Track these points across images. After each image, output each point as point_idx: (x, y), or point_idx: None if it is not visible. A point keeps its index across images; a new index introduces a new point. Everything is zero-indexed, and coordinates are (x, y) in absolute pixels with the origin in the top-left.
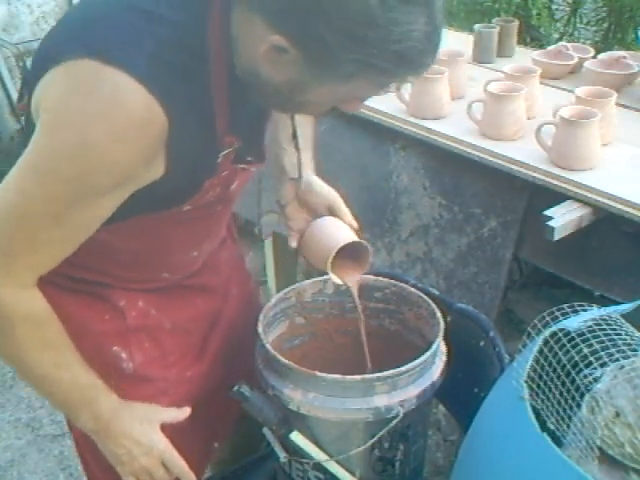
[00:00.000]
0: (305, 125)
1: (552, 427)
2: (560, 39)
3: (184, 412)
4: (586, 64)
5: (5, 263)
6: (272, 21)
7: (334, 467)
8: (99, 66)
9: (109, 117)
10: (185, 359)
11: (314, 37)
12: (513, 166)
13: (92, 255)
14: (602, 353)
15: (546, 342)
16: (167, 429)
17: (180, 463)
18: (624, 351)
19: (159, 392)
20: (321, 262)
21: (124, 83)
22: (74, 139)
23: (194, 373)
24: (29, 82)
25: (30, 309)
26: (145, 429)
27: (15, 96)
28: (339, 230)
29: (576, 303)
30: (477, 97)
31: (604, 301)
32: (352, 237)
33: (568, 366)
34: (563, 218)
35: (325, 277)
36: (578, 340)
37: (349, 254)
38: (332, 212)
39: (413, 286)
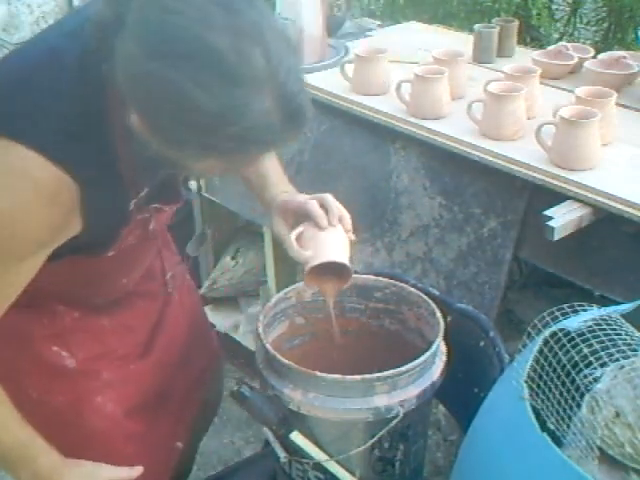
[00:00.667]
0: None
1: (552, 427)
2: (560, 39)
3: (136, 471)
4: (586, 64)
5: None
6: (129, 100)
7: (334, 467)
8: (8, 143)
9: (18, 190)
10: (130, 355)
11: (156, 120)
12: (513, 166)
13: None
14: (602, 353)
15: (546, 342)
16: (125, 439)
17: None
18: (624, 351)
19: (105, 385)
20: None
21: (32, 158)
22: None
23: (138, 369)
24: None
25: None
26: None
27: None
28: (327, 243)
29: (576, 303)
30: (477, 97)
31: (604, 301)
32: (334, 256)
33: (568, 366)
34: (563, 218)
35: None
36: (578, 340)
37: (332, 267)
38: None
39: (413, 286)
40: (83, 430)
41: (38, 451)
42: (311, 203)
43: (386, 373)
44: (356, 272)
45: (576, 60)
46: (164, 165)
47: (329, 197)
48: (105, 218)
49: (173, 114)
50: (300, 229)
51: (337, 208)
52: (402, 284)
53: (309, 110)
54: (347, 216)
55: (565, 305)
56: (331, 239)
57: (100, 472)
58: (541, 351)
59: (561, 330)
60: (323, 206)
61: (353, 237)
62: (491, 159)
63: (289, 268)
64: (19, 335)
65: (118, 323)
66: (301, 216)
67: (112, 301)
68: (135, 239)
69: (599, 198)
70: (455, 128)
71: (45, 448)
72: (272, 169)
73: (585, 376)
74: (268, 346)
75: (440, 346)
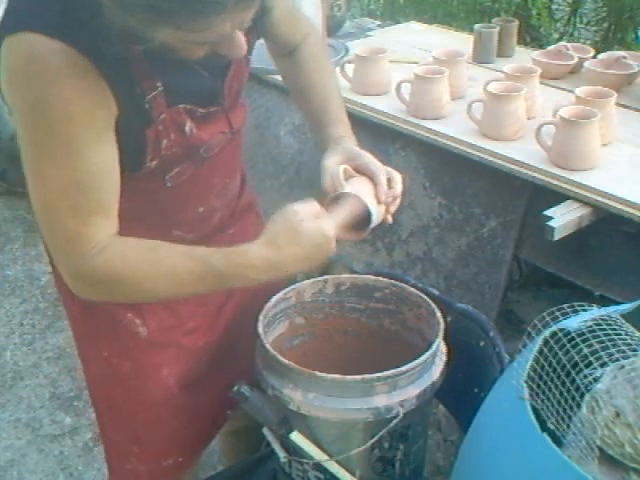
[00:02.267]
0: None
1: (552, 427)
2: (560, 39)
3: None
4: (586, 64)
5: (74, 243)
6: None
7: (334, 467)
8: (26, 36)
9: (45, 74)
10: (201, 328)
11: None
12: (513, 166)
13: None
14: (602, 353)
15: (546, 342)
16: (176, 411)
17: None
18: (624, 351)
19: (171, 358)
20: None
21: (43, 42)
22: (33, 108)
23: (206, 342)
24: None
25: (121, 266)
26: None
27: None
28: (367, 195)
29: (576, 303)
30: (477, 97)
31: (604, 301)
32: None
33: (568, 366)
34: (563, 218)
35: (325, 277)
36: (578, 340)
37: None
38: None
39: (413, 286)
40: (143, 397)
41: (225, 251)
42: (380, 172)
43: (386, 373)
44: (356, 272)
45: (576, 60)
46: (134, 41)
47: (398, 176)
48: (127, 108)
49: None
50: (356, 178)
51: (399, 190)
52: (402, 284)
53: None
54: (397, 202)
55: (565, 305)
56: (374, 201)
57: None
58: (541, 351)
59: (561, 330)
60: (389, 180)
61: (390, 220)
62: (491, 159)
63: None
64: None
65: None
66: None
67: None
68: (177, 147)
69: (599, 198)
70: (455, 128)
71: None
72: (333, 107)
73: (585, 376)
74: (268, 346)
75: (440, 346)
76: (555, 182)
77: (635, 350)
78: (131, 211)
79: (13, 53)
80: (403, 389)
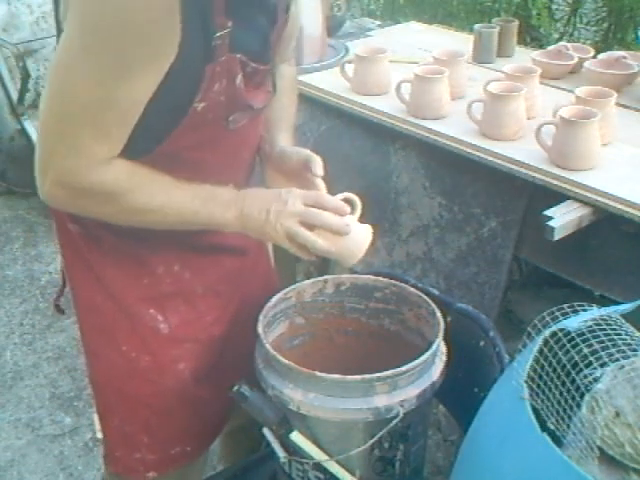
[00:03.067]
0: (287, 108)
1: (552, 427)
2: (560, 39)
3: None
4: (586, 64)
5: (78, 153)
6: None
7: (334, 467)
8: None
9: None
10: (216, 320)
11: None
12: (513, 166)
13: None
14: (602, 353)
15: (546, 342)
16: (188, 404)
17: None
18: (624, 351)
19: (188, 353)
20: None
21: None
22: (107, 11)
23: (220, 334)
24: None
25: (125, 177)
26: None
27: (15, 96)
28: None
29: (576, 303)
30: (477, 97)
31: (604, 301)
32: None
33: (568, 366)
34: (563, 218)
35: (325, 277)
36: (578, 340)
37: None
38: (307, 168)
39: (413, 286)
40: (158, 388)
41: (213, 189)
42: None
43: (386, 373)
44: (356, 272)
45: (576, 60)
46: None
47: (315, 158)
48: (193, 41)
49: None
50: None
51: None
52: (402, 284)
53: None
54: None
55: (565, 305)
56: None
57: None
58: (541, 351)
59: (561, 330)
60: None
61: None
62: (491, 159)
63: (289, 268)
64: (120, 292)
65: (208, 287)
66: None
67: (205, 259)
68: (224, 94)
69: (599, 198)
70: (455, 128)
71: (217, 186)
72: (285, 127)
73: (585, 376)
74: (268, 346)
75: (440, 346)
76: (555, 182)
77: (635, 350)
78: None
79: None
80: (403, 389)
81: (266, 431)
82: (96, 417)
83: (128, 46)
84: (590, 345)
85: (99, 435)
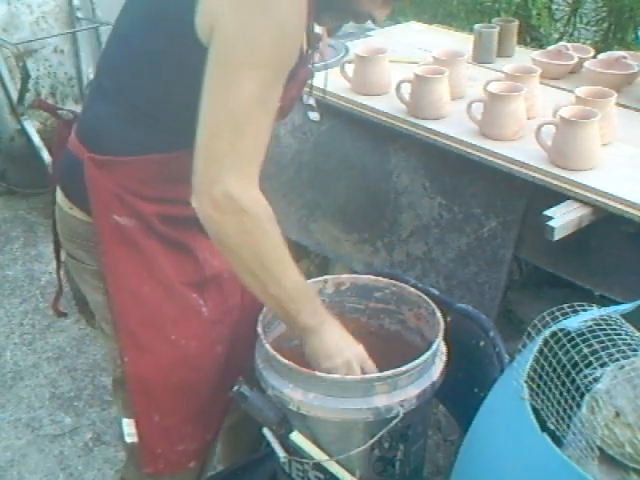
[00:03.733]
0: None
1: (552, 427)
2: (560, 39)
3: None
4: (586, 64)
5: (247, 164)
6: None
7: (334, 467)
8: None
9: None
10: (235, 305)
11: None
12: (513, 166)
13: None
14: (602, 353)
15: (546, 342)
16: (217, 389)
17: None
18: (624, 351)
19: (222, 336)
20: None
21: None
22: (268, 21)
23: (238, 319)
24: None
25: (268, 207)
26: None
27: (15, 96)
28: None
29: (576, 303)
30: (477, 97)
31: (604, 301)
32: None
33: (568, 366)
34: (563, 218)
35: (325, 277)
36: (578, 340)
37: None
38: None
39: (413, 286)
40: (202, 375)
41: (315, 293)
42: None
43: (386, 373)
44: (356, 272)
45: (576, 60)
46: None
47: None
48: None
49: None
50: None
51: None
52: (402, 284)
53: None
54: None
55: (565, 305)
56: None
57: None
58: (541, 351)
59: (561, 330)
60: None
61: None
62: (491, 159)
63: None
64: (168, 279)
65: (231, 273)
66: None
67: None
68: (297, 89)
69: (599, 198)
70: (455, 128)
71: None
72: None
73: (585, 376)
74: (268, 346)
75: (440, 346)
76: (555, 182)
77: (635, 350)
78: None
79: None
80: (403, 389)
81: (266, 431)
82: (126, 422)
83: (284, 60)
84: (590, 345)
85: (129, 440)
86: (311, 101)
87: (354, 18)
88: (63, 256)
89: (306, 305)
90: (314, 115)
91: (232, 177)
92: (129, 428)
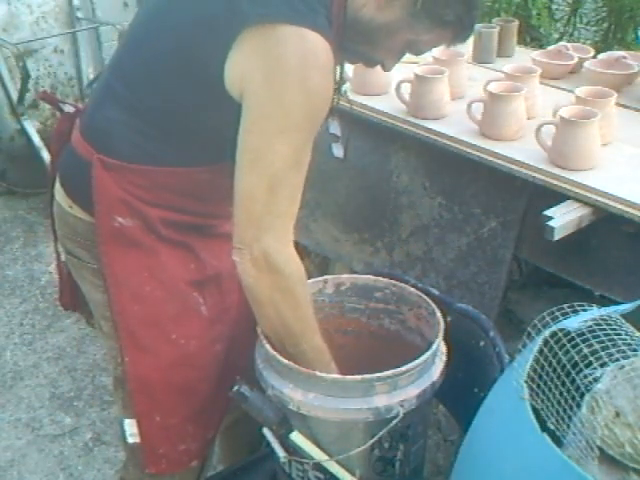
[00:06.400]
0: None
1: (552, 427)
2: (560, 39)
3: None
4: (586, 64)
5: (282, 224)
6: None
7: (334, 467)
8: (294, 28)
9: (317, 64)
10: (233, 303)
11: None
12: (513, 166)
13: (189, 197)
14: (602, 353)
15: (546, 342)
16: (216, 388)
17: None
18: (624, 351)
19: (220, 334)
20: None
21: (313, 37)
22: (301, 91)
23: (236, 318)
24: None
25: (301, 268)
26: None
27: (15, 96)
28: None
29: (576, 303)
30: (477, 97)
31: (604, 301)
32: None
33: (568, 366)
34: (563, 218)
35: (325, 277)
36: (578, 340)
37: None
38: None
39: (413, 286)
40: (202, 374)
41: (330, 357)
42: None
43: (386, 373)
44: (356, 272)
45: (576, 60)
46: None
47: None
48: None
49: None
50: None
51: None
52: (402, 284)
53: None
54: None
55: (565, 305)
56: None
57: None
58: (541, 351)
59: (561, 330)
60: None
61: None
62: (491, 159)
63: None
64: (170, 278)
65: (229, 272)
66: None
67: (224, 247)
68: None
69: (599, 198)
70: (455, 128)
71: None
72: None
73: (585, 376)
74: (268, 346)
75: (440, 346)
76: (555, 182)
77: (635, 350)
78: (218, 189)
79: (290, 42)
80: (403, 389)
81: (266, 431)
82: (128, 422)
83: (315, 123)
84: (590, 345)
85: (131, 440)
86: (335, 129)
87: (366, 62)
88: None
89: (319, 368)
90: (338, 150)
91: (270, 237)
92: (131, 428)
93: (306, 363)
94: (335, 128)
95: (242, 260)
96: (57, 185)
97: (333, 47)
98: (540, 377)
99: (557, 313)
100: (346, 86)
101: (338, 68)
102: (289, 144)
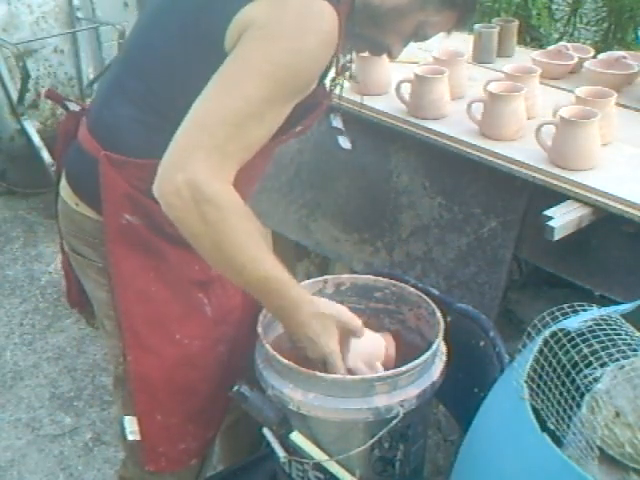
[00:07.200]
0: None
1: (552, 427)
2: (560, 39)
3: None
4: (586, 64)
5: (220, 160)
6: None
7: (334, 467)
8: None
9: (318, 29)
10: (239, 304)
11: None
12: (513, 166)
13: None
14: (602, 353)
15: (546, 342)
16: (219, 389)
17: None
18: (624, 351)
19: (224, 335)
20: None
21: (322, 3)
22: (291, 47)
23: (240, 318)
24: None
25: (238, 202)
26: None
27: (15, 96)
28: None
29: (576, 303)
30: (477, 97)
31: (604, 301)
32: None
33: (568, 366)
34: (563, 218)
35: (325, 277)
36: (578, 340)
37: None
38: None
39: (413, 286)
40: (204, 373)
41: (291, 279)
42: None
43: (386, 373)
44: (356, 272)
45: (576, 60)
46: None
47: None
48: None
49: None
50: None
51: None
52: (402, 284)
53: None
54: None
55: (565, 305)
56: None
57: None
58: (541, 351)
59: (561, 330)
60: None
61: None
62: (491, 159)
63: (289, 268)
64: (176, 278)
65: None
66: None
67: None
68: (315, 119)
69: (599, 198)
70: (455, 128)
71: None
72: None
73: (585, 376)
74: (268, 346)
75: (440, 346)
76: (555, 182)
77: (635, 350)
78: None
79: (294, 3)
80: (403, 389)
81: (266, 431)
82: (128, 420)
83: (294, 87)
84: (590, 345)
85: (131, 437)
86: (338, 123)
87: (372, 48)
88: None
89: (269, 300)
90: (344, 142)
91: (201, 168)
92: (131, 426)
93: (257, 294)
94: (338, 122)
95: (161, 191)
96: (63, 182)
97: (341, 24)
98: (540, 377)
99: (557, 313)
100: (343, 82)
101: (347, 57)
102: (261, 90)
